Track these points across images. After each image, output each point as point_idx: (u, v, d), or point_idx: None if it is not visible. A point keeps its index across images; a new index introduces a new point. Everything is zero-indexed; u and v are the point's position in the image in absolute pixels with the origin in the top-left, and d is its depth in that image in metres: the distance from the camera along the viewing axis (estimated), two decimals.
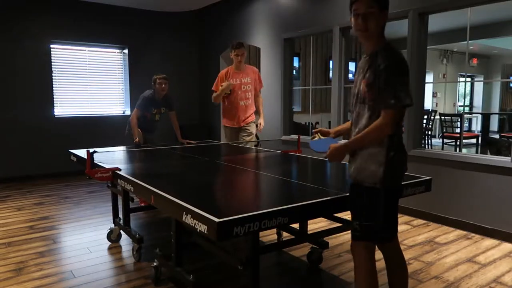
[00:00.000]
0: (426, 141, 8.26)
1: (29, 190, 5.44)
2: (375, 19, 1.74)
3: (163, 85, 4.46)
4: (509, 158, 3.44)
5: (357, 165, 1.81)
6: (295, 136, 5.40)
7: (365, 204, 1.81)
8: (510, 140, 6.71)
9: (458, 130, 8.57)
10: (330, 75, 7.85)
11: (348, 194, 1.96)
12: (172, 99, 4.70)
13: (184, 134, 4.77)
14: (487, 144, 7.07)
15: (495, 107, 12.04)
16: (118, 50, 6.85)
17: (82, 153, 3.34)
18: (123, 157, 3.49)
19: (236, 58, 4.27)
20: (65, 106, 6.45)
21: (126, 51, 6.85)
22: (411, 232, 3.70)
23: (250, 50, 7.84)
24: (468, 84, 12.93)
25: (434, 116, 8.72)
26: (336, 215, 2.77)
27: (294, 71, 8.26)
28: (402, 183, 1.90)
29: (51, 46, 6.18)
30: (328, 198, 1.90)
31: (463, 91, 13.02)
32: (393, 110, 1.68)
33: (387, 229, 1.86)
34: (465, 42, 8.35)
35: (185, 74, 7.48)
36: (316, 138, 2.17)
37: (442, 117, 7.77)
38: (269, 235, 3.54)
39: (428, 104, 11.00)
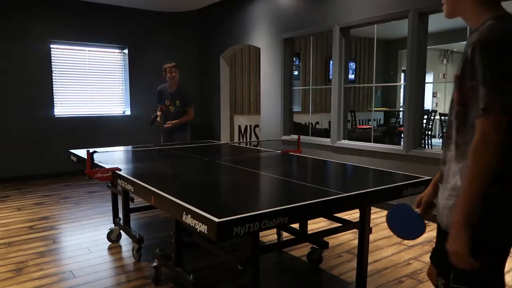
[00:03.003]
0: (426, 141, 8.26)
1: (29, 190, 5.44)
2: None
3: (173, 73, 4.45)
4: None
5: (444, 202, 1.31)
6: (295, 136, 5.40)
7: None
8: None
9: None
10: (330, 75, 7.86)
11: (348, 194, 1.96)
12: (188, 95, 4.69)
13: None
14: None
15: None
16: (118, 50, 6.85)
17: (82, 153, 3.33)
18: (123, 157, 3.49)
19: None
20: (65, 106, 6.45)
21: (126, 51, 6.85)
22: None
23: (250, 50, 7.85)
24: None
25: (434, 116, 8.72)
26: (336, 215, 2.77)
27: (296, 71, 8.27)
28: None
29: (51, 46, 6.18)
30: (328, 198, 1.90)
31: None
32: (483, 119, 1.14)
33: None
34: (465, 42, 8.35)
35: (185, 74, 7.46)
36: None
37: (442, 117, 7.77)
38: (269, 235, 3.54)
39: (428, 104, 11.01)
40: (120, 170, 2.67)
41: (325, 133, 5.69)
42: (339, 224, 2.71)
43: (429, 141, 8.43)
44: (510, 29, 1.15)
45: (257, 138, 7.61)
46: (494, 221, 1.18)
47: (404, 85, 4.86)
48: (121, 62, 6.91)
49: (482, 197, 1.16)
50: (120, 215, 3.41)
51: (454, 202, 1.24)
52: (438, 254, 1.33)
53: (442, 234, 1.30)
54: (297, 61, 8.58)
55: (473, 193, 1.15)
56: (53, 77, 6.25)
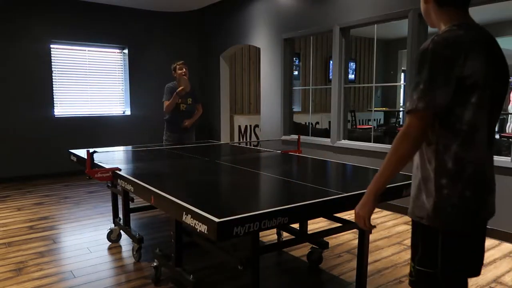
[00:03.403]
0: None
1: (29, 190, 5.44)
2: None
3: (184, 69, 4.43)
4: (509, 158, 3.44)
5: (411, 193, 1.44)
6: (295, 136, 5.40)
7: (419, 244, 1.40)
8: (510, 140, 6.71)
9: None
10: (330, 75, 7.86)
11: (348, 194, 1.96)
12: (196, 92, 4.70)
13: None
14: None
15: None
16: (118, 50, 6.85)
17: (82, 153, 3.33)
18: (123, 157, 3.49)
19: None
20: (65, 106, 6.45)
21: (126, 51, 6.85)
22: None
23: (250, 50, 7.85)
24: None
25: None
26: (336, 215, 2.77)
27: (296, 71, 8.27)
28: (473, 227, 1.37)
29: (51, 46, 6.18)
30: (328, 198, 1.90)
31: None
32: (409, 117, 1.29)
33: (453, 281, 1.38)
34: None
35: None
36: None
37: None
38: (269, 235, 3.54)
39: None
40: (120, 170, 2.67)
41: (325, 133, 5.69)
42: (339, 224, 2.71)
43: None
44: (444, 40, 1.26)
45: (257, 138, 7.61)
46: (445, 208, 1.31)
47: (404, 85, 4.86)
48: (121, 62, 6.91)
49: (393, 177, 1.36)
50: (120, 215, 3.41)
51: (416, 193, 1.39)
52: (412, 241, 1.44)
53: (412, 224, 1.43)
54: (297, 61, 8.57)
55: (387, 174, 1.34)
56: (53, 77, 6.25)
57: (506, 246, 3.36)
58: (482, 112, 1.29)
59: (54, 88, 6.26)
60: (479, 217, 1.36)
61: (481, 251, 1.44)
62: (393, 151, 1.31)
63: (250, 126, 7.66)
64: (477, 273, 1.45)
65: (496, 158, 3.59)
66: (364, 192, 2.01)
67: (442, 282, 1.36)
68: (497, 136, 8.23)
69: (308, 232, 3.01)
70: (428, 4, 1.41)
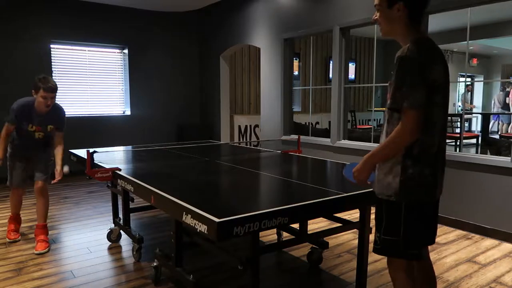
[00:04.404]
0: None
1: (29, 190, 5.43)
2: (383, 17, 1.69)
3: (49, 101, 3.61)
4: (509, 158, 3.44)
5: (378, 176, 1.69)
6: (295, 136, 5.40)
7: (384, 217, 1.68)
8: (510, 140, 6.71)
9: (458, 130, 8.57)
10: (330, 75, 7.86)
11: (348, 194, 1.96)
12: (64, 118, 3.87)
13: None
14: (487, 144, 7.07)
15: None
16: (118, 50, 6.85)
17: (82, 153, 3.34)
18: (123, 157, 3.49)
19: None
20: (65, 106, 6.38)
21: (126, 51, 6.85)
22: None
23: (250, 50, 7.85)
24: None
25: None
26: (336, 215, 2.77)
27: (296, 72, 8.26)
28: (430, 198, 1.67)
29: (51, 46, 6.18)
30: (328, 198, 1.90)
31: (464, 91, 13.02)
32: (409, 112, 1.51)
33: (413, 247, 1.66)
34: (465, 42, 8.36)
35: (185, 74, 7.47)
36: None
37: None
38: (269, 235, 3.54)
39: None
40: (120, 170, 2.68)
41: (325, 133, 5.69)
42: (339, 224, 2.71)
43: None
44: (418, 49, 1.54)
45: (257, 138, 7.61)
46: (408, 184, 1.60)
47: None
48: (121, 62, 6.91)
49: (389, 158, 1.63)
50: (120, 215, 3.41)
51: (383, 177, 1.66)
52: (377, 216, 1.72)
53: (378, 201, 1.71)
54: (297, 61, 8.57)
55: (383, 154, 1.62)
56: (53, 77, 6.24)
57: (506, 246, 3.36)
58: (440, 109, 1.61)
59: None
60: (435, 192, 1.66)
61: (434, 223, 1.76)
62: (392, 139, 1.57)
63: (250, 126, 7.67)
64: (432, 242, 1.76)
65: (496, 158, 3.59)
66: (364, 193, 2.03)
67: (403, 248, 1.65)
68: (497, 136, 8.23)
69: (308, 232, 3.01)
70: (394, 25, 1.65)
